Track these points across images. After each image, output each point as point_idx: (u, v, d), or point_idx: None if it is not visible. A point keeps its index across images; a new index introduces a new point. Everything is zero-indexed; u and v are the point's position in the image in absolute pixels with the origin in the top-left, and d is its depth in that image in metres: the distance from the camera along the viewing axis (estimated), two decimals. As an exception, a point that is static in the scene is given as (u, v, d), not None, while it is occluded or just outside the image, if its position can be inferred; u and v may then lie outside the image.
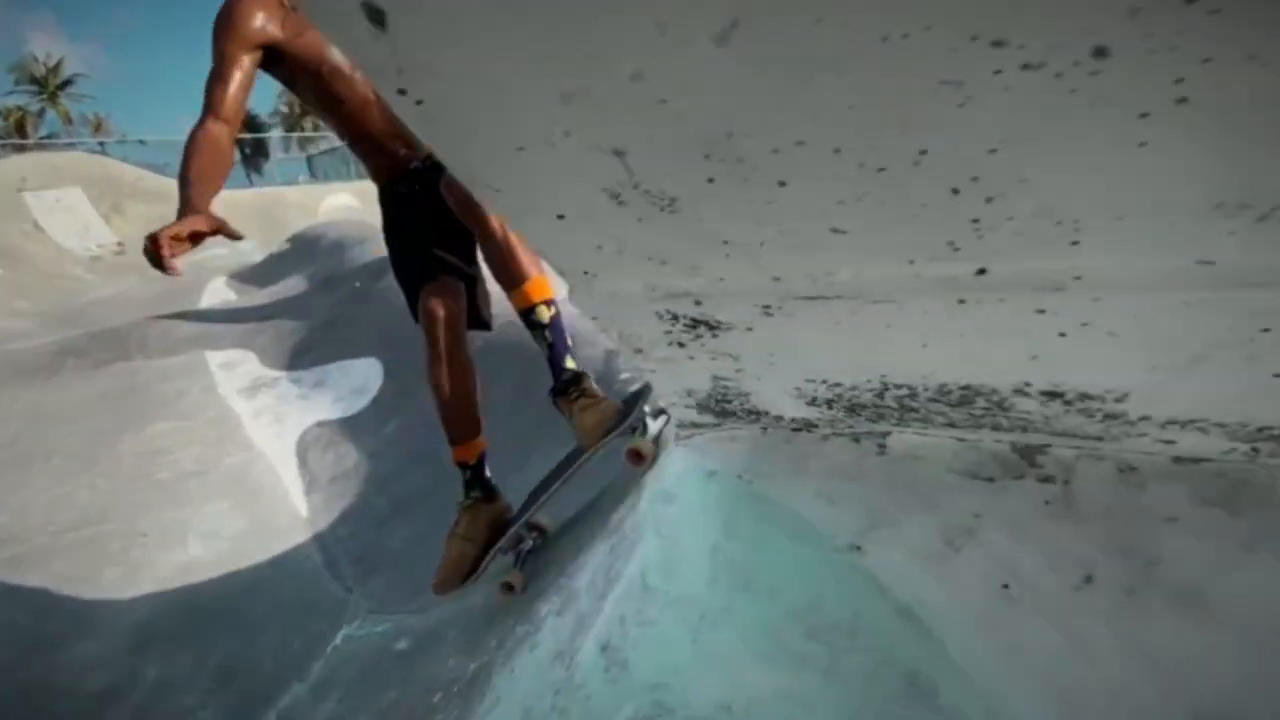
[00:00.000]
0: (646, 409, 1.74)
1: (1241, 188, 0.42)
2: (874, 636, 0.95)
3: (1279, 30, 0.31)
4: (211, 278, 7.72)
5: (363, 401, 3.90)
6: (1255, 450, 0.72)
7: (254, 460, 3.64)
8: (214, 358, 4.83)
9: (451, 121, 0.50)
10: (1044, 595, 0.85)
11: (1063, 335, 0.61)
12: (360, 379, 4.09)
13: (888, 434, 1.03)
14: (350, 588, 2.74)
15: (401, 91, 0.47)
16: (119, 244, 10.66)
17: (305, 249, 7.48)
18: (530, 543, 2.04)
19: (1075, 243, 0.50)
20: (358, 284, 5.23)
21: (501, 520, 1.98)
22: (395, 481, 3.20)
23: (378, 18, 0.41)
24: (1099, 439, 0.84)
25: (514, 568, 1.97)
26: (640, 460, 1.61)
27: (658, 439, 1.67)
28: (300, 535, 3.10)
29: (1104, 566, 0.83)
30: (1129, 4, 0.33)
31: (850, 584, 0.98)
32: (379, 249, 3.73)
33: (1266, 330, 0.52)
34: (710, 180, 0.51)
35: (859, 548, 0.99)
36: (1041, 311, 0.58)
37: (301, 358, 4.68)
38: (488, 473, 2.01)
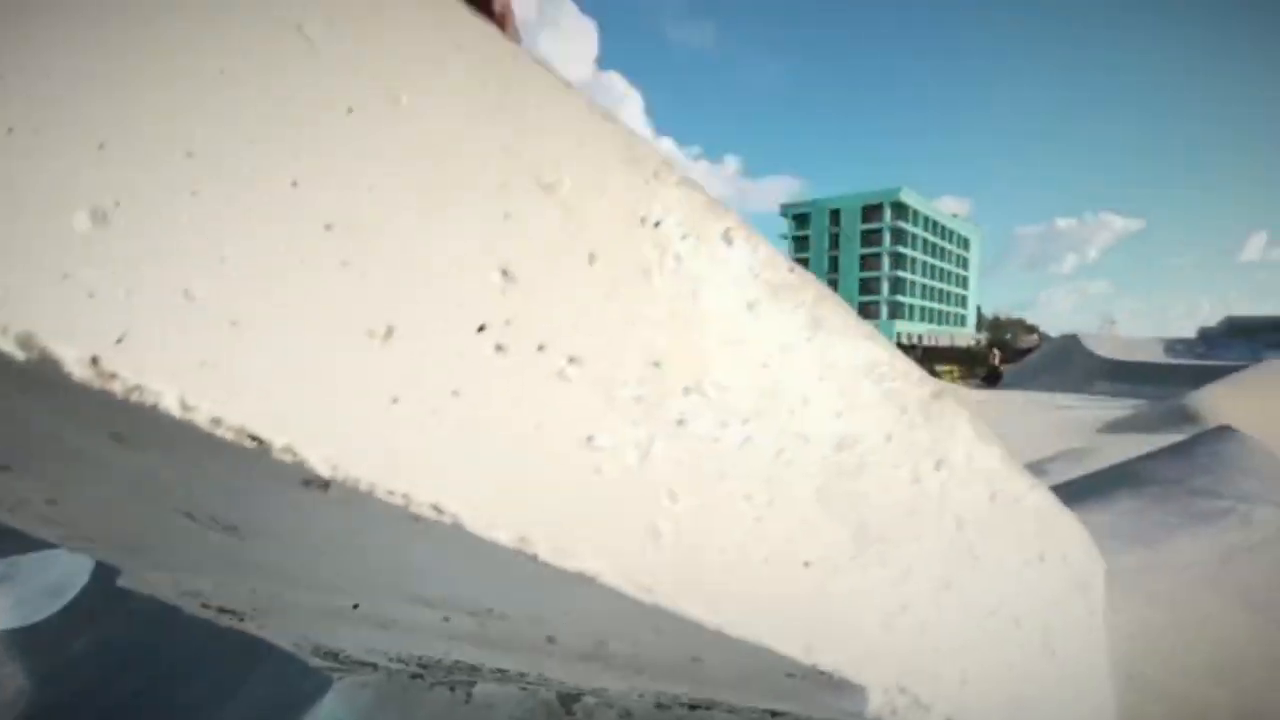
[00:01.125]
0: None
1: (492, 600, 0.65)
2: None
3: None
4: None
5: (55, 605, 3.25)
6: (682, 708, 0.95)
7: None
8: None
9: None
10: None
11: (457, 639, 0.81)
12: (60, 575, 3.44)
13: (474, 683, 1.15)
14: None
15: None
16: None
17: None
18: None
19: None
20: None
21: None
22: (67, 717, 2.63)
23: None
24: (606, 689, 1.03)
25: None
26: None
27: None
28: (-100, 807, 2.36)
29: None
30: None
31: None
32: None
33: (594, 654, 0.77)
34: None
35: (428, 806, 1.06)
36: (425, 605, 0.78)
37: (-10, 545, 3.84)
38: None
